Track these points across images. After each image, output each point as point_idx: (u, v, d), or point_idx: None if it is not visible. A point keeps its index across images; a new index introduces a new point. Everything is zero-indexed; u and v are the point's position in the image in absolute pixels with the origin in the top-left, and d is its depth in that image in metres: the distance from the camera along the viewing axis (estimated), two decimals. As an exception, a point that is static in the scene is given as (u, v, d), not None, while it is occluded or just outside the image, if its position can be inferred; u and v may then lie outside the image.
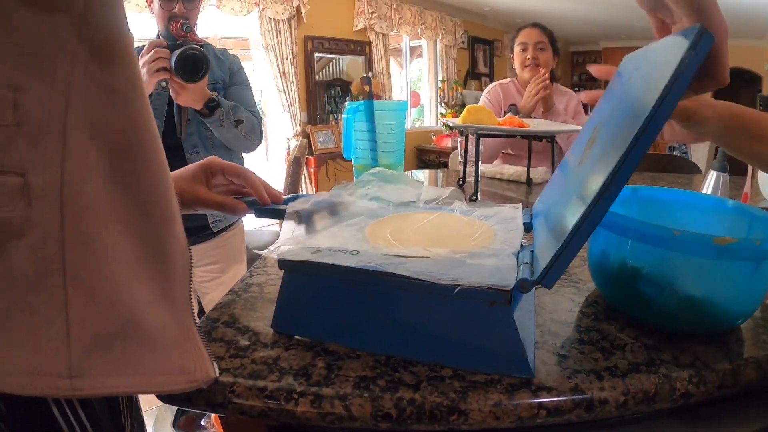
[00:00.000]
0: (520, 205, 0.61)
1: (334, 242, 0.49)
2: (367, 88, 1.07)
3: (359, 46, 5.35)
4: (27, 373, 0.32)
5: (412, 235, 0.52)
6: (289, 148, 4.53)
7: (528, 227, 0.55)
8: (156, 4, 1.41)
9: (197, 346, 0.41)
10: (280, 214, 0.55)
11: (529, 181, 1.48)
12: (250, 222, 2.28)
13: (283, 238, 0.51)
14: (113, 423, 0.49)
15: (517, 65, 1.86)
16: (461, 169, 1.45)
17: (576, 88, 8.75)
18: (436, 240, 0.51)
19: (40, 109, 0.31)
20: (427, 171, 1.84)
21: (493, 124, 1.39)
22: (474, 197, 1.19)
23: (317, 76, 4.99)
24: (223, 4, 3.85)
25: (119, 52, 0.34)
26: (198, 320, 0.47)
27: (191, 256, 0.42)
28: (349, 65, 5.36)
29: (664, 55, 0.36)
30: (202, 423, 1.68)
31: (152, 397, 0.42)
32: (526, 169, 1.49)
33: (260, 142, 1.61)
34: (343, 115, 1.12)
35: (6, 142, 0.31)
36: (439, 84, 6.46)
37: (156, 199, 0.37)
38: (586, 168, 0.41)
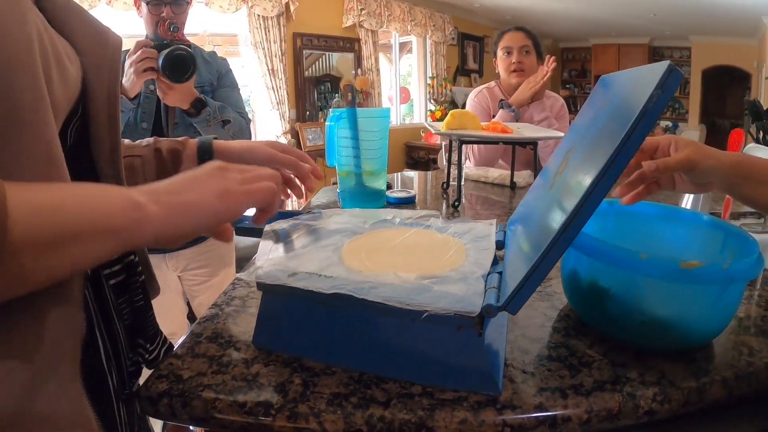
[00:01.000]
0: (494, 221, 0.62)
1: (310, 264, 0.51)
2: (349, 95, 1.08)
3: (348, 43, 5.33)
4: None
5: (386, 256, 0.53)
6: (277, 146, 4.51)
7: (500, 245, 0.57)
8: (144, 8, 1.41)
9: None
10: (258, 233, 0.56)
11: (512, 185, 1.50)
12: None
13: (261, 257, 0.52)
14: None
15: (501, 70, 1.86)
16: (446, 173, 1.47)
17: (566, 85, 8.79)
18: (409, 261, 0.52)
19: None
20: (416, 174, 1.85)
21: (477, 128, 1.41)
22: (456, 203, 1.20)
23: (306, 72, 4.97)
24: (211, 1, 3.83)
25: None
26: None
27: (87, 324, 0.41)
28: (338, 61, 5.35)
29: (636, 87, 0.37)
30: (191, 428, 1.69)
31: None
32: (510, 172, 1.51)
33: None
34: (326, 123, 1.13)
35: None
36: (429, 81, 6.46)
37: None
38: (555, 194, 0.43)
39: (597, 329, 0.57)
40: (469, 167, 1.72)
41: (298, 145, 4.81)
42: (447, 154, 1.39)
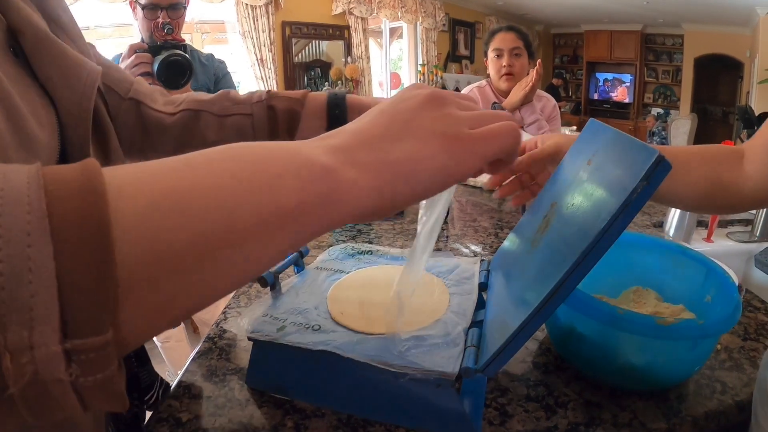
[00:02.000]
0: (478, 259, 0.64)
1: (297, 309, 0.52)
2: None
3: (338, 31, 5.29)
4: None
5: (370, 304, 0.54)
6: (268, 137, 4.50)
7: (483, 286, 0.58)
8: (140, 12, 1.39)
9: None
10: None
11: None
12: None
13: (249, 309, 0.54)
14: None
15: (492, 72, 1.86)
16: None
17: (557, 70, 8.78)
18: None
19: None
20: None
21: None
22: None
23: (296, 58, 4.93)
24: (198, -9, 3.78)
25: None
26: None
27: None
28: (329, 46, 5.31)
29: (622, 165, 0.36)
30: None
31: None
32: (498, 177, 1.53)
33: None
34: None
35: None
36: (419, 68, 6.43)
37: None
38: (536, 260, 0.44)
39: (574, 366, 0.59)
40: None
41: (289, 135, 4.79)
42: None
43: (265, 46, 4.33)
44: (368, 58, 5.57)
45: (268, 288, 0.56)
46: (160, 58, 1.22)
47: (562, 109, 8.44)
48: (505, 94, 1.83)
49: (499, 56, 1.83)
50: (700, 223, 1.49)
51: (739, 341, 0.68)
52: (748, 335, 0.70)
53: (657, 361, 0.52)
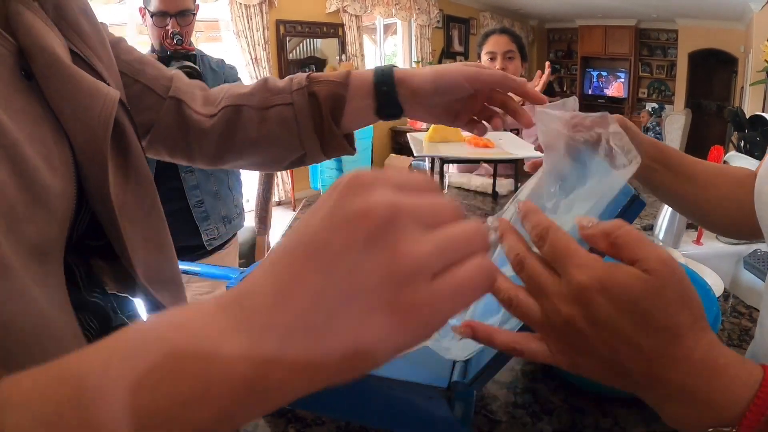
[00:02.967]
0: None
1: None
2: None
3: (332, 29, 5.29)
4: None
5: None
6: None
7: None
8: (149, 20, 1.40)
9: None
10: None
11: (495, 194, 1.54)
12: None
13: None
14: None
15: (485, 74, 1.89)
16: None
17: (554, 65, 8.79)
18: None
19: None
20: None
21: (460, 139, 1.45)
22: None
23: (290, 55, 4.93)
24: (192, -10, 3.77)
25: None
26: None
27: None
28: (323, 43, 5.31)
29: (597, 194, 0.39)
30: None
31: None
32: (492, 181, 1.55)
33: None
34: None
35: None
36: (414, 65, 6.44)
37: None
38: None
39: (560, 374, 0.63)
40: (452, 173, 1.76)
41: (285, 133, 4.80)
42: (429, 172, 1.43)
43: (259, 45, 4.34)
44: (363, 55, 5.58)
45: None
46: (170, 70, 1.23)
47: (557, 105, 8.48)
48: None
49: (492, 59, 1.85)
50: (690, 226, 1.52)
51: None
52: (731, 341, 0.73)
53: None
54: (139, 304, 0.52)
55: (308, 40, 5.16)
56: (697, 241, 1.57)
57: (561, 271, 0.31)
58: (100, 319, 0.46)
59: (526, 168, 0.67)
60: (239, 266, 1.84)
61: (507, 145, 1.39)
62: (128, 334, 0.22)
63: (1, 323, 0.31)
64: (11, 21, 0.39)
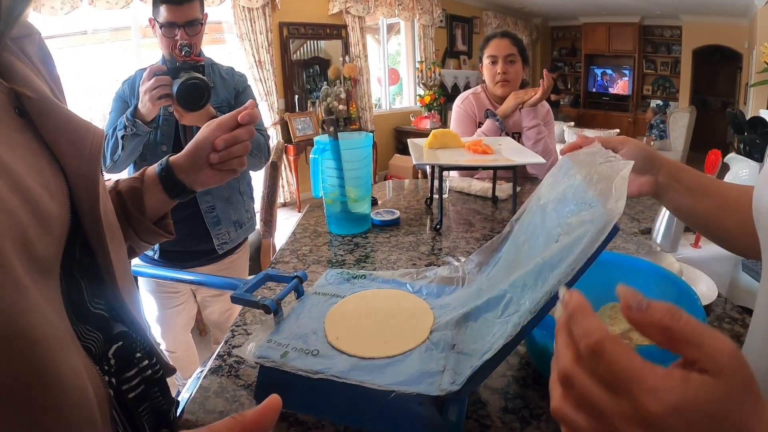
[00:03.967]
0: (459, 277, 0.70)
1: (297, 335, 0.59)
2: (331, 129, 1.13)
3: (335, 30, 5.32)
4: None
5: (362, 330, 0.60)
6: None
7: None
8: (159, 30, 1.43)
9: None
10: (254, 304, 0.63)
11: (494, 199, 1.57)
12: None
13: (254, 335, 0.60)
14: None
15: (487, 78, 1.91)
16: (429, 187, 1.54)
17: (556, 63, 8.78)
18: (382, 335, 0.60)
19: None
20: (407, 181, 1.91)
21: (459, 145, 1.48)
22: (438, 226, 1.27)
23: (294, 55, 4.97)
24: (196, -5, 3.81)
25: None
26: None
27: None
28: (327, 43, 5.34)
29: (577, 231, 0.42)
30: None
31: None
32: (491, 185, 1.58)
33: (267, 160, 1.64)
34: (311, 155, 1.19)
35: None
36: (417, 65, 6.46)
37: None
38: (506, 291, 0.50)
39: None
40: (453, 178, 1.79)
41: (288, 135, 4.84)
42: (430, 177, 1.45)
43: (263, 47, 4.37)
44: (366, 56, 5.60)
45: (271, 314, 0.63)
46: (179, 81, 1.24)
47: (561, 102, 8.47)
48: (501, 100, 1.87)
49: (493, 63, 1.87)
50: (688, 229, 1.53)
51: None
52: None
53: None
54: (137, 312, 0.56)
55: (312, 41, 5.19)
56: (695, 245, 1.59)
57: (624, 394, 0.29)
58: (100, 330, 0.51)
59: (560, 153, 0.69)
60: (249, 267, 1.88)
61: (506, 150, 1.42)
62: None
63: (22, 332, 0.37)
64: (3, 68, 0.46)
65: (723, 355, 0.27)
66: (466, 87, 6.83)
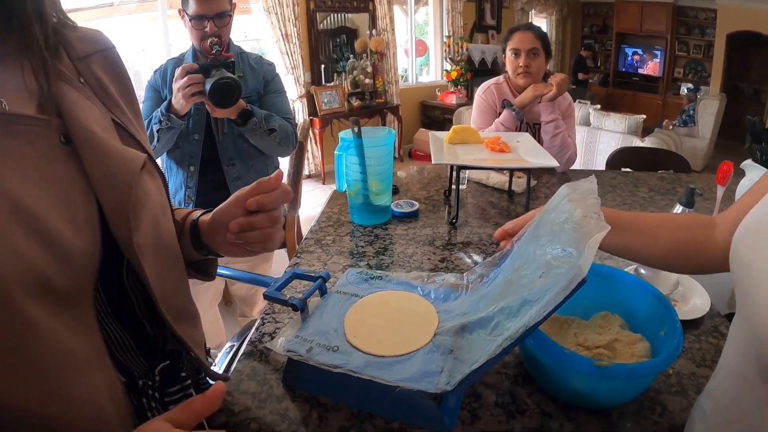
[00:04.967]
0: (465, 283, 0.79)
1: (321, 331, 0.69)
2: (355, 129, 1.21)
3: (362, 3, 5.30)
4: None
5: (377, 329, 0.70)
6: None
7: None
8: (188, 22, 1.50)
9: None
10: (284, 302, 0.73)
11: (510, 193, 1.64)
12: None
13: (283, 330, 0.70)
14: None
15: (509, 70, 1.95)
16: (448, 179, 1.62)
17: (586, 41, 8.57)
18: (395, 331, 0.70)
19: None
20: (424, 168, 1.98)
21: (478, 141, 1.54)
22: (454, 220, 1.36)
23: (321, 25, 4.98)
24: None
25: None
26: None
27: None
28: (354, 15, 5.33)
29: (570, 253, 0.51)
30: None
31: None
32: (508, 179, 1.65)
33: (295, 147, 1.73)
34: (336, 152, 1.27)
35: None
36: (445, 39, 6.41)
37: None
38: (496, 314, 0.60)
39: (537, 381, 0.75)
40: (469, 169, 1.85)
41: (313, 108, 4.90)
42: (449, 170, 1.52)
43: (289, 21, 4.40)
44: (393, 30, 5.58)
45: (298, 312, 0.73)
46: (211, 80, 1.34)
47: (591, 81, 8.31)
48: (522, 90, 1.91)
49: (516, 56, 1.90)
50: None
51: (692, 367, 0.78)
52: (703, 362, 0.79)
53: (598, 390, 0.66)
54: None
55: (339, 13, 5.19)
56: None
57: None
58: (150, 345, 0.60)
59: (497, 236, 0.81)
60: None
61: (523, 148, 1.47)
62: None
63: (32, 363, 0.43)
64: (59, 99, 0.51)
65: None
66: (494, 62, 6.76)
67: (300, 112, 4.71)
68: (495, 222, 1.39)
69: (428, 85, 6.59)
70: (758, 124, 1.89)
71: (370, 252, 1.18)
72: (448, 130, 1.57)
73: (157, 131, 1.45)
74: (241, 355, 0.82)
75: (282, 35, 4.38)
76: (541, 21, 8.02)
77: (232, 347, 1.20)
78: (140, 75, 3.84)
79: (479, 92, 2.03)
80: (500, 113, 1.93)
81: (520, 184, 1.67)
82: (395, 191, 1.59)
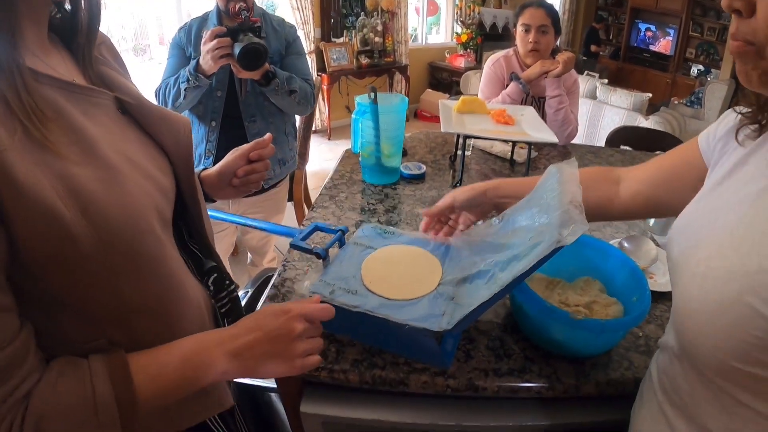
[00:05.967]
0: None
1: (341, 277, 0.80)
2: (372, 95, 1.29)
3: (378, -42, 5.20)
4: None
5: (390, 277, 0.81)
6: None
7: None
8: None
9: None
10: (309, 251, 0.83)
11: (512, 162, 1.73)
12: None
13: (308, 275, 0.81)
14: None
15: (519, 45, 2.00)
16: (454, 144, 1.70)
17: (600, 12, 8.43)
18: (404, 281, 0.80)
19: None
20: (430, 132, 2.05)
21: (485, 112, 1.63)
22: (457, 184, 1.45)
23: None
24: None
25: None
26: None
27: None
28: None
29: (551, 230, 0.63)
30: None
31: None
32: (511, 149, 1.73)
33: (313, 107, 1.83)
34: (353, 116, 1.35)
35: None
36: (457, 2, 6.32)
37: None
38: (491, 268, 0.71)
39: (524, 330, 0.86)
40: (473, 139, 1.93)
41: (322, 64, 4.89)
42: (455, 137, 1.61)
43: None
44: (406, -10, 5.49)
45: (321, 260, 0.83)
46: (240, 44, 1.42)
47: (602, 54, 8.23)
48: (530, 65, 1.98)
49: (527, 31, 1.95)
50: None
51: (660, 333, 0.87)
52: None
53: (574, 340, 0.78)
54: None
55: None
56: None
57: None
58: (197, 263, 0.73)
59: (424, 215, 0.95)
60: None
61: (526, 122, 1.56)
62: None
63: (163, 267, 0.59)
64: (102, 77, 0.63)
65: None
66: (504, 28, 6.68)
67: (309, 69, 4.71)
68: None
69: (437, 47, 6.54)
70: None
71: (381, 209, 1.28)
72: (456, 92, 1.65)
73: (185, 89, 1.53)
74: (266, 297, 0.93)
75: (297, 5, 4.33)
76: (556, -12, 7.87)
77: (246, 293, 1.31)
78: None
79: (488, 63, 2.09)
80: (507, 85, 2.00)
81: (521, 154, 1.75)
82: (404, 153, 1.68)
